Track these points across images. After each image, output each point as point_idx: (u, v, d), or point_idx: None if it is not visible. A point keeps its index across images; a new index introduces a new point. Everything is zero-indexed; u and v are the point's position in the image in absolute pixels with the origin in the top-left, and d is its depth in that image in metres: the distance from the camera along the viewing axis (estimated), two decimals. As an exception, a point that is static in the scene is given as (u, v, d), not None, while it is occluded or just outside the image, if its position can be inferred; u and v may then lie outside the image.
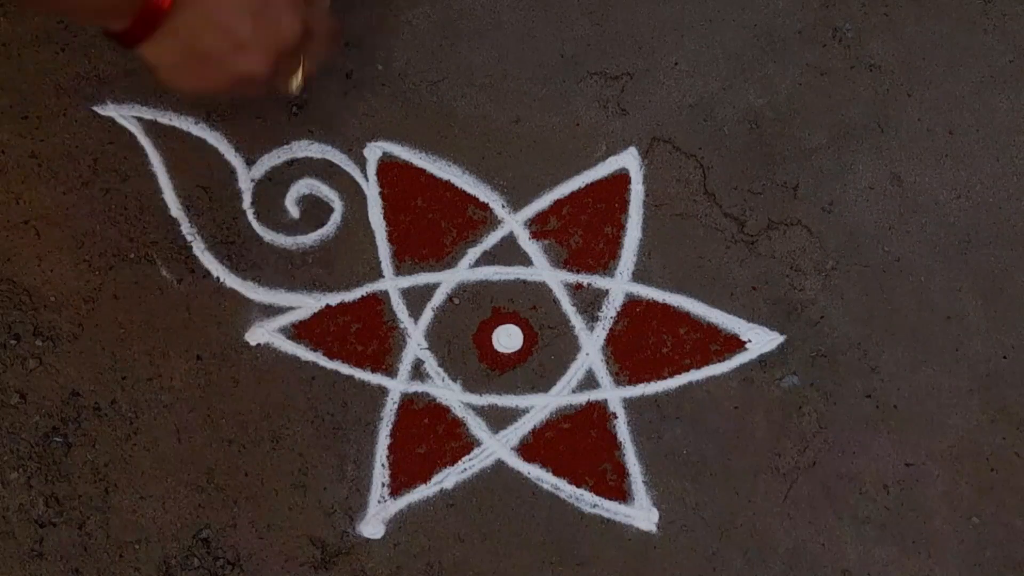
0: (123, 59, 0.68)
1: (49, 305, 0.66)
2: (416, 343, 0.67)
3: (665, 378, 0.67)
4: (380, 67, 0.70)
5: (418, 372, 0.67)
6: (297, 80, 0.61)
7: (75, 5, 0.51)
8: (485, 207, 0.69)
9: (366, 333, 0.67)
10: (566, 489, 0.66)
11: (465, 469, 0.66)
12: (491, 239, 0.68)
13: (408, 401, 0.66)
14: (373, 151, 0.69)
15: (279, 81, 0.60)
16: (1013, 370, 0.67)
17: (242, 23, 0.54)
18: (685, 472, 0.66)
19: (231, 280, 0.67)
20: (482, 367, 0.67)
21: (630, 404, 0.67)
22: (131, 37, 0.52)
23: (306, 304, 0.67)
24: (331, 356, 0.67)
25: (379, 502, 0.65)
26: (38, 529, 0.64)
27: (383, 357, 0.67)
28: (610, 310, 0.68)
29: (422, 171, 0.69)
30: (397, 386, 0.67)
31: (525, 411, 0.67)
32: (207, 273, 0.67)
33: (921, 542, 0.66)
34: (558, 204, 0.69)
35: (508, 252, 0.68)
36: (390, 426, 0.66)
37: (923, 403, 0.67)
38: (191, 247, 0.67)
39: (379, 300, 0.68)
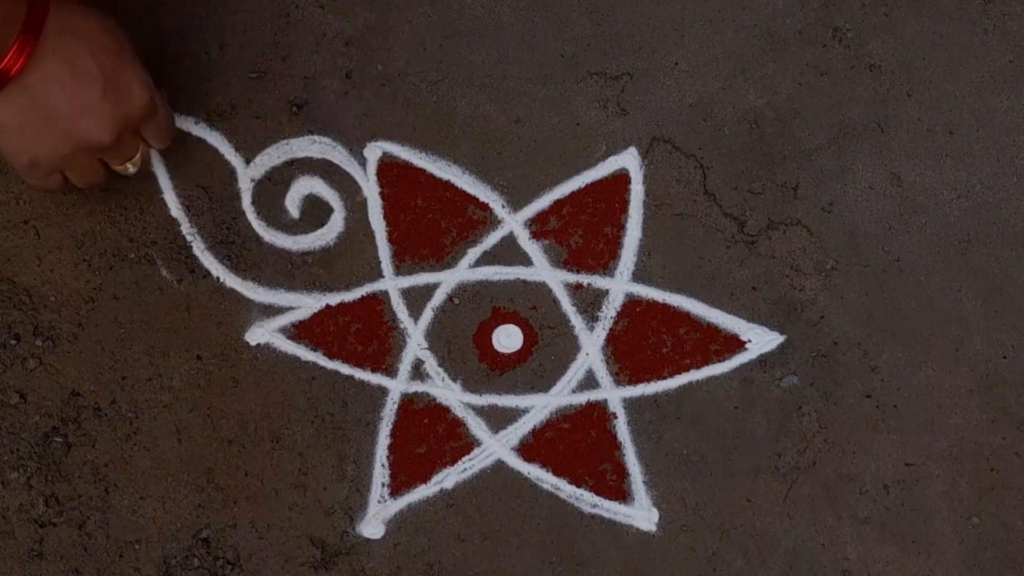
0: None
1: (49, 305, 0.66)
2: (416, 343, 0.67)
3: (665, 378, 0.67)
4: (380, 67, 0.70)
5: (418, 372, 0.67)
6: (136, 161, 0.63)
7: None
8: (485, 207, 0.69)
9: (366, 333, 0.67)
10: (566, 489, 0.66)
11: (465, 469, 0.66)
12: (491, 239, 0.68)
13: (408, 401, 0.66)
14: (373, 151, 0.69)
15: (117, 159, 0.61)
16: (1013, 370, 0.67)
17: (92, 87, 0.57)
18: (685, 472, 0.66)
19: (231, 280, 0.67)
20: (482, 367, 0.67)
21: (630, 404, 0.67)
22: None
23: (306, 304, 0.67)
24: (331, 356, 0.67)
25: (379, 502, 0.65)
26: (38, 529, 0.64)
27: (383, 357, 0.67)
28: (610, 310, 0.68)
29: (422, 171, 0.69)
30: (397, 386, 0.67)
31: (525, 411, 0.67)
32: (207, 273, 0.67)
33: (921, 542, 0.66)
34: (558, 204, 0.69)
35: (508, 252, 0.68)
36: (390, 426, 0.66)
37: (923, 403, 0.67)
38: (191, 247, 0.67)
39: (379, 300, 0.68)
